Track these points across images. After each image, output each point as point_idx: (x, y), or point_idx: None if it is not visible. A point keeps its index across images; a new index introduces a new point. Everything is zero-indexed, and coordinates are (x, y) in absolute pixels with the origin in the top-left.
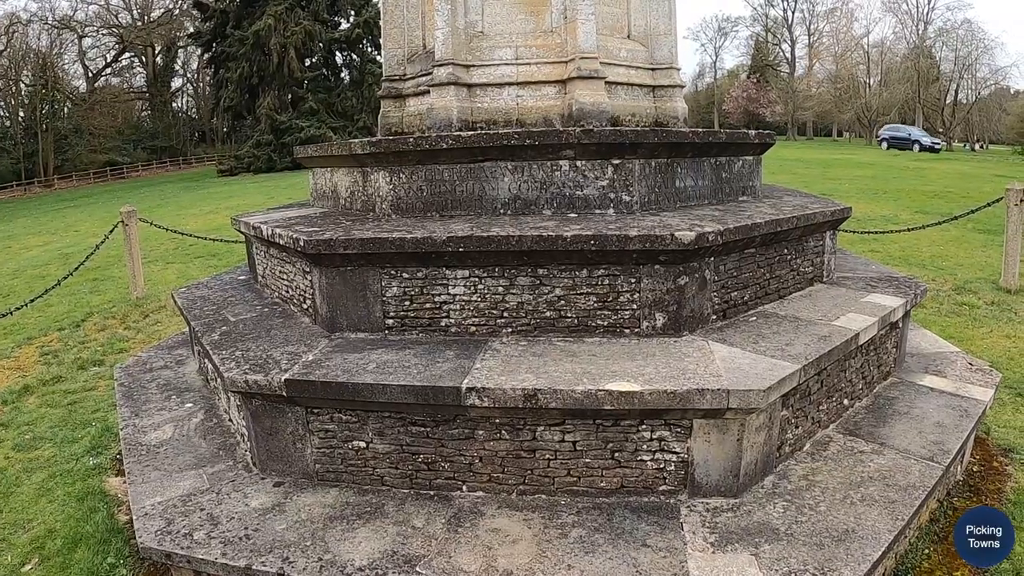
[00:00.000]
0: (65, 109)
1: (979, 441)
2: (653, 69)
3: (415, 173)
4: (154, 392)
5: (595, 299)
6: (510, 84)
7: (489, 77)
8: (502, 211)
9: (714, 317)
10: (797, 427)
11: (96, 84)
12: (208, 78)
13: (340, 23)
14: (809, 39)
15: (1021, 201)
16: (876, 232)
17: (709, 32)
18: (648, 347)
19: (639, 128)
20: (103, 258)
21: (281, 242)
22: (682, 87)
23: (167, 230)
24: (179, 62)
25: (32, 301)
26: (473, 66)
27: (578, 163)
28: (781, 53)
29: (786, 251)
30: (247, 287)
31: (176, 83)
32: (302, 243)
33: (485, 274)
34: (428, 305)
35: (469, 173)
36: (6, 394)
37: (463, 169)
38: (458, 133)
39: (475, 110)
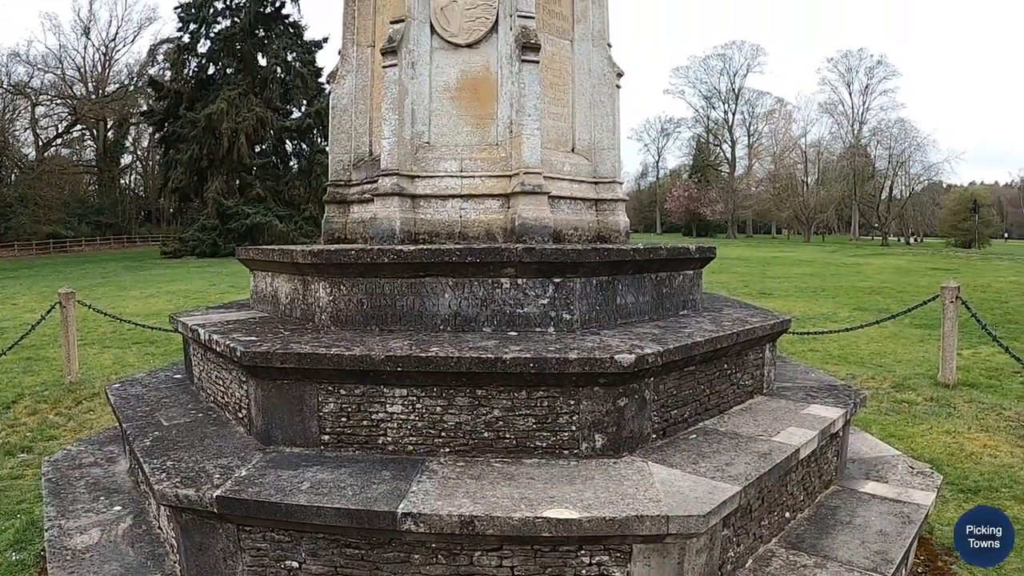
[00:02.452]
0: (12, 176)
1: (923, 542)
2: (596, 183)
3: (356, 286)
4: (82, 491)
5: (534, 420)
6: (454, 196)
7: (434, 188)
8: (442, 327)
9: (654, 436)
10: (739, 545)
11: (46, 153)
12: (158, 157)
13: (292, 111)
14: (749, 139)
15: (956, 298)
16: (816, 332)
17: (652, 133)
18: (587, 470)
19: (580, 247)
20: (39, 336)
21: (218, 349)
22: (624, 200)
23: (105, 315)
24: (130, 139)
25: None
26: (418, 177)
27: (519, 281)
28: (722, 153)
29: (726, 366)
30: (183, 388)
31: (126, 159)
32: (239, 353)
33: (423, 393)
34: (365, 422)
35: (410, 288)
36: None
37: (404, 284)
38: (400, 248)
39: (419, 221)
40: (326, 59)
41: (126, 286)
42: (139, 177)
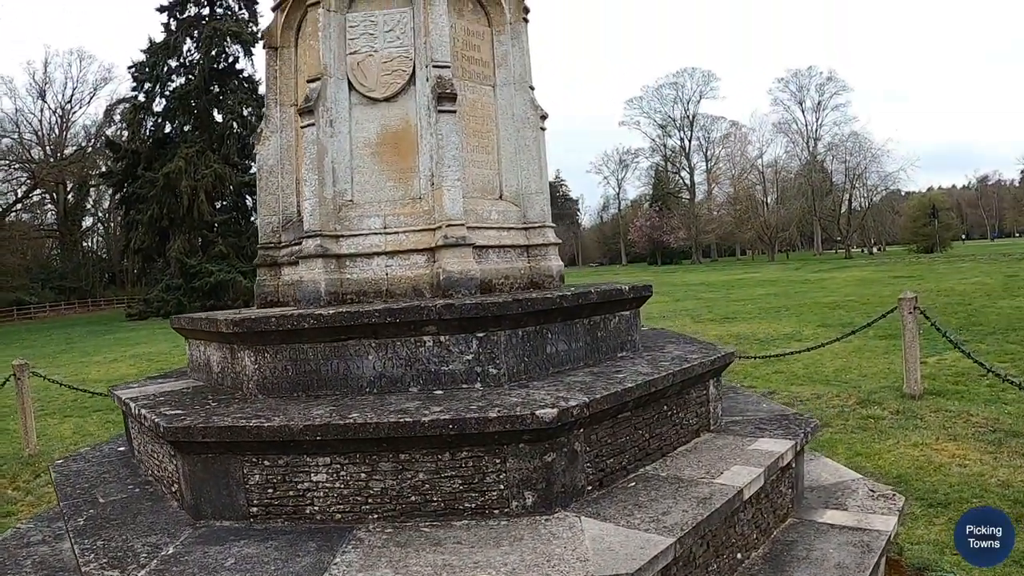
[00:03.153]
0: None
1: (892, 564)
2: (527, 228)
3: (279, 352)
4: (28, 570)
5: (460, 482)
6: (379, 254)
7: (358, 247)
8: (368, 390)
9: (589, 488)
10: None
11: (5, 219)
12: (119, 218)
13: (250, 166)
14: (707, 165)
15: (914, 309)
16: (778, 355)
17: (611, 165)
18: (516, 530)
19: (500, 299)
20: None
21: (147, 424)
22: (557, 244)
23: (61, 384)
24: (91, 201)
25: None
26: (342, 236)
27: (442, 338)
28: (681, 180)
29: (666, 407)
30: (124, 462)
31: (87, 222)
32: (162, 428)
33: (347, 460)
34: (292, 493)
35: (333, 352)
36: None
37: (327, 348)
38: (319, 312)
39: (345, 281)
40: None
41: (89, 351)
42: (101, 239)
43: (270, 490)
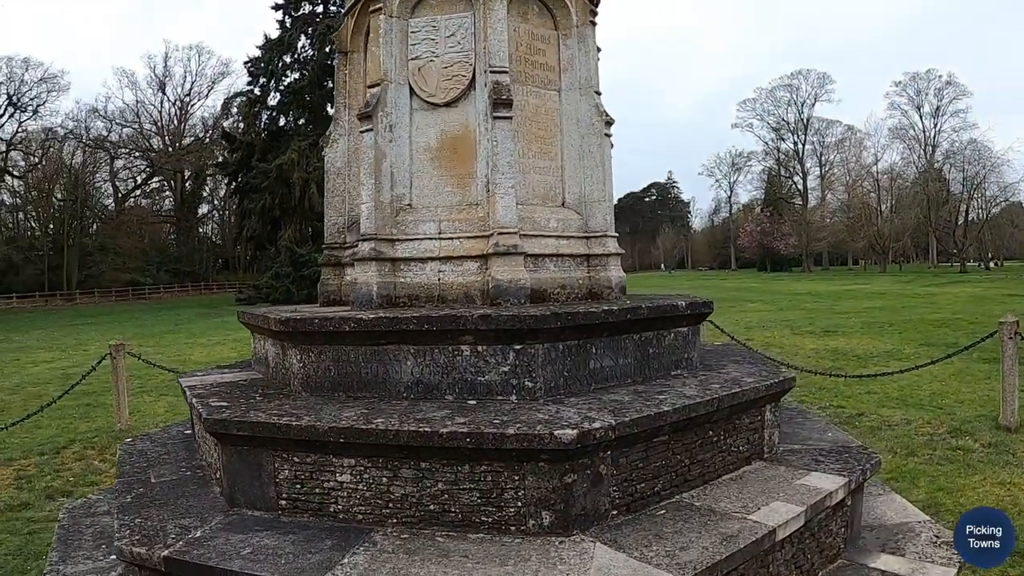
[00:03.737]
0: (94, 226)
1: None
2: (588, 237)
3: (323, 353)
4: (88, 539)
5: (479, 495)
6: (432, 259)
7: (413, 251)
8: (405, 395)
9: (615, 512)
10: None
11: (125, 204)
12: (233, 207)
13: None
14: (820, 170)
15: (1015, 334)
16: (869, 375)
17: (723, 168)
18: (527, 550)
19: (538, 312)
20: (101, 382)
21: (195, 412)
22: (619, 254)
23: (154, 365)
24: (207, 189)
25: (18, 422)
26: (398, 240)
27: (479, 348)
28: (793, 185)
29: (711, 432)
30: (186, 445)
31: (203, 209)
32: (203, 418)
33: (370, 464)
34: (318, 490)
35: (373, 356)
36: None
37: (367, 351)
38: (360, 316)
39: (399, 285)
40: None
41: (196, 333)
42: (216, 226)
43: (298, 485)
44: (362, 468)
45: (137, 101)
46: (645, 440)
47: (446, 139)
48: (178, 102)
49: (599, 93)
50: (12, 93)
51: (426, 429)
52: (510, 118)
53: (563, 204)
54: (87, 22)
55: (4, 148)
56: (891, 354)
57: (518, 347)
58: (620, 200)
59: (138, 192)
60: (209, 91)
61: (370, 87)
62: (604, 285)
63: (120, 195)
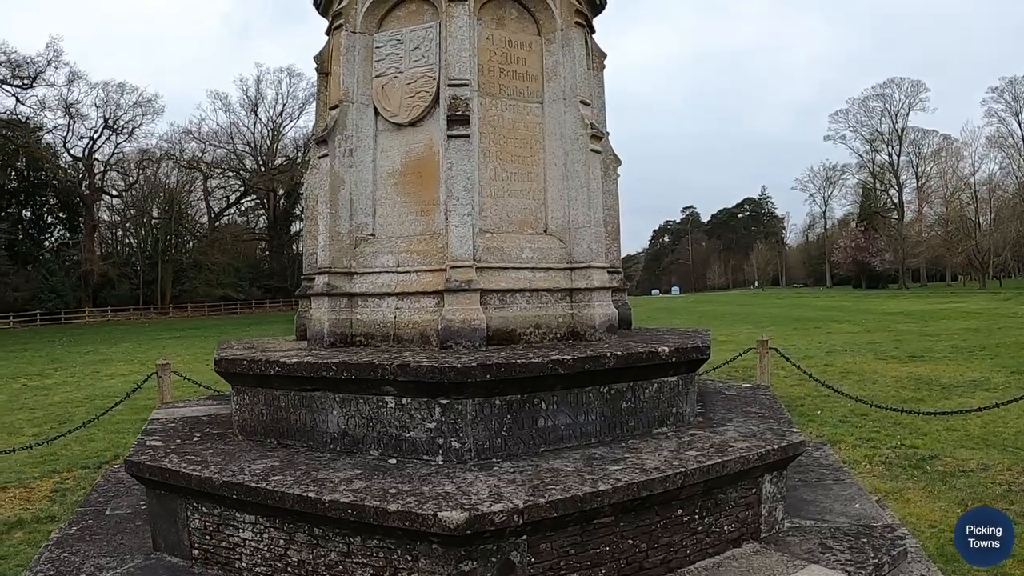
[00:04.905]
0: (188, 243)
1: None
2: (571, 269)
3: (256, 396)
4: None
5: (371, 570)
6: (389, 294)
7: (370, 286)
8: (332, 446)
9: None
10: None
11: (218, 222)
12: None
13: None
14: (917, 182)
15: None
16: (948, 412)
17: (817, 182)
18: None
19: (460, 364)
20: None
21: None
22: (607, 288)
23: (199, 384)
24: (299, 208)
25: (62, 435)
26: (356, 273)
27: (403, 400)
28: (889, 199)
29: (680, 511)
30: None
31: (295, 227)
32: (125, 459)
33: (268, 523)
34: (224, 544)
35: (302, 402)
36: None
37: (296, 398)
38: (284, 360)
39: (355, 322)
40: None
41: None
42: None
43: (207, 537)
44: (262, 527)
45: (230, 123)
46: (578, 523)
47: (410, 162)
48: (270, 123)
49: (586, 103)
50: (108, 116)
51: (311, 495)
52: (467, 136)
53: (545, 231)
54: (181, 47)
55: (102, 168)
56: (979, 383)
57: (444, 401)
58: (714, 216)
59: (232, 210)
60: (300, 112)
61: (331, 108)
62: (587, 324)
63: (214, 213)
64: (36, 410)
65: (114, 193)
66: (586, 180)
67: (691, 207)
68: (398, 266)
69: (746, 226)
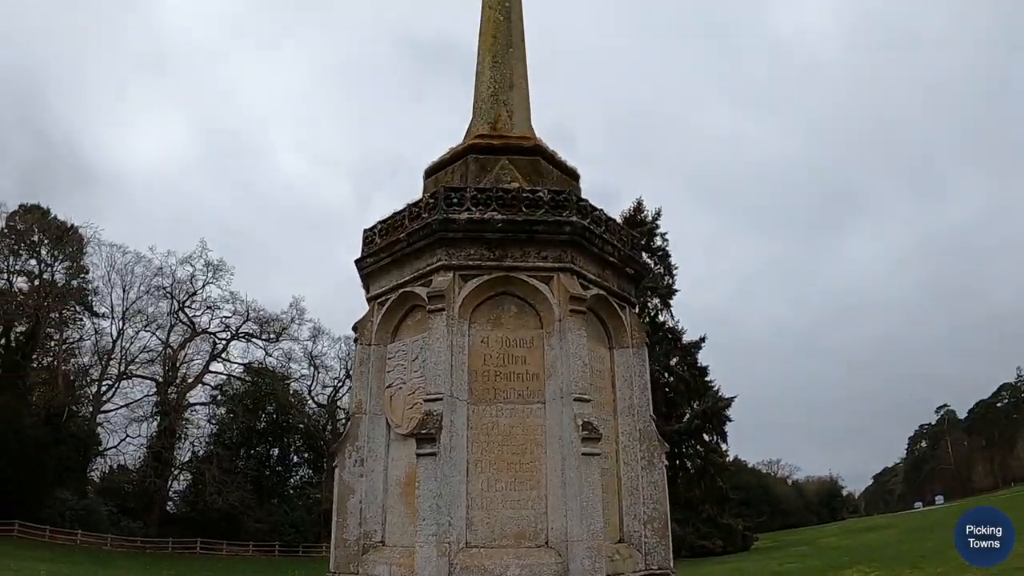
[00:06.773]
0: None
1: None
2: None
3: None
4: None
5: None
6: None
7: None
8: None
9: None
10: None
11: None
12: None
13: (684, 414)
14: None
15: None
16: None
17: None
18: None
19: None
20: None
21: None
22: None
23: None
24: None
25: None
26: None
27: None
28: None
29: None
30: None
31: None
32: None
33: None
34: None
35: None
36: None
37: None
38: None
39: None
40: (705, 358)
41: None
42: None
43: None
44: None
45: None
46: None
47: (411, 472)
48: None
49: (582, 400)
50: (350, 368)
51: None
52: (433, 455)
53: (546, 542)
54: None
55: (344, 416)
56: None
57: None
58: (970, 411)
59: None
60: None
61: (347, 419)
62: None
63: None
64: None
65: None
66: (580, 487)
67: (945, 405)
68: None
69: (1007, 415)
